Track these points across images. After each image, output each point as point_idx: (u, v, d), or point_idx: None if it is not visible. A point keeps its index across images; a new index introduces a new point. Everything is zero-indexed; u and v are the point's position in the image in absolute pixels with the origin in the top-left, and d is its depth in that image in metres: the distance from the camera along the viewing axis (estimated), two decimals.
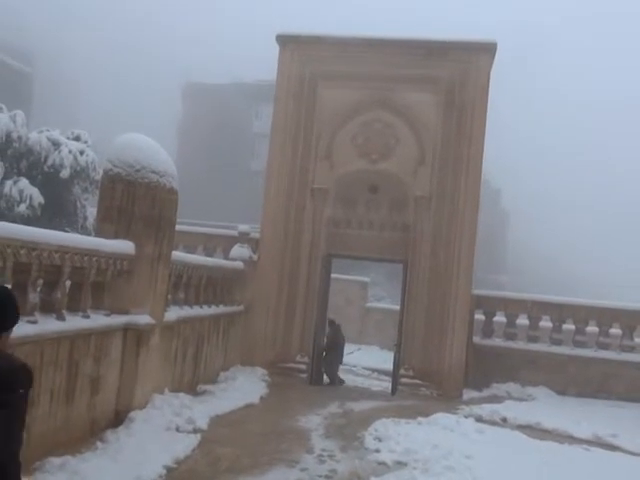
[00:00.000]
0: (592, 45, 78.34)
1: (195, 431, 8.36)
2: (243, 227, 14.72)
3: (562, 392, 14.04)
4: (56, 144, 22.51)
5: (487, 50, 14.16)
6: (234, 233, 14.77)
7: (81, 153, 22.76)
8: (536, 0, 76.45)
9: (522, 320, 15.34)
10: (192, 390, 10.66)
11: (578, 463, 8.71)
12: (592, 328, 15.07)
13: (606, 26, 78.58)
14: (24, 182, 21.30)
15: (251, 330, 14.11)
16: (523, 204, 61.63)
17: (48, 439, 6.64)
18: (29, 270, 6.34)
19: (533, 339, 14.86)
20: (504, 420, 11.26)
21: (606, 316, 14.80)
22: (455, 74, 14.14)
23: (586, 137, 75.24)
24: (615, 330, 15.04)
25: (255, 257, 14.35)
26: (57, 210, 22.79)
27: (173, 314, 9.56)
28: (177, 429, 8.29)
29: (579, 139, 75.13)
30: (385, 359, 17.90)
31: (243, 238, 14.40)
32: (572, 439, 10.21)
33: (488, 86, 14.14)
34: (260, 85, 44.13)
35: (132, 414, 8.09)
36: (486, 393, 13.99)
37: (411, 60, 14.21)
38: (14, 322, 3.08)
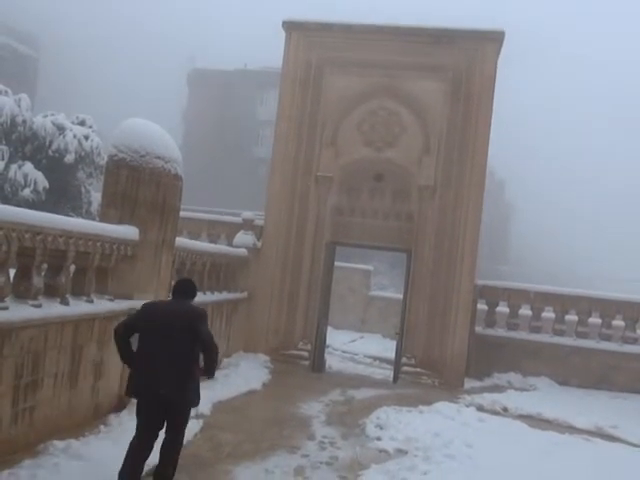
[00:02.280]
0: (602, 38, 77.81)
1: (197, 417, 8.39)
2: (247, 214, 14.71)
3: (564, 383, 14.08)
4: (61, 129, 22.50)
5: (494, 39, 14.05)
6: (238, 220, 14.77)
7: (86, 138, 22.75)
8: None
9: (525, 310, 15.35)
10: None
11: (578, 453, 8.73)
12: (595, 319, 15.07)
13: (616, 22, 78.08)
14: (29, 166, 21.32)
15: (254, 317, 14.15)
16: (527, 196, 61.49)
17: (52, 422, 6.69)
18: (33, 254, 6.35)
19: (535, 330, 14.87)
20: (505, 410, 11.30)
21: (609, 308, 14.80)
22: (462, 63, 14.05)
23: (592, 131, 74.92)
24: (618, 322, 15.04)
25: (259, 244, 14.36)
26: (61, 195, 22.82)
27: None
28: None
29: (584, 133, 74.80)
30: (387, 347, 17.92)
31: (247, 225, 14.40)
32: (573, 429, 10.25)
33: (495, 76, 14.05)
34: (265, 72, 43.98)
35: None
36: (488, 383, 14.04)
37: (418, 48, 14.12)
38: (194, 295, 6.10)
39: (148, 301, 6.22)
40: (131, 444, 5.59)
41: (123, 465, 5.47)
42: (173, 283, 6.19)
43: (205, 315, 5.80)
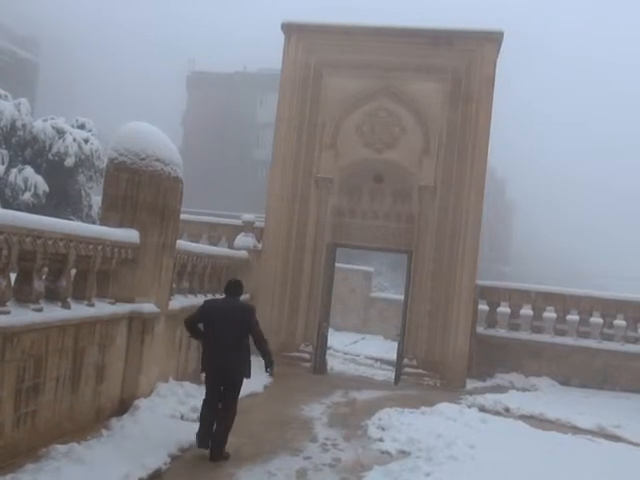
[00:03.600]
0: (606, 40, 77.87)
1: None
2: (247, 216, 14.72)
3: (566, 383, 14.06)
4: (61, 132, 22.48)
5: (493, 39, 14.05)
6: (238, 222, 14.77)
7: (86, 141, 22.73)
8: None
9: (526, 311, 15.33)
10: (196, 379, 10.65)
11: (581, 453, 8.71)
12: (596, 319, 15.05)
13: (618, 24, 78.21)
14: (29, 170, 21.30)
15: None
16: (527, 195, 61.46)
17: (54, 426, 6.68)
18: (34, 258, 6.34)
19: (537, 330, 14.86)
20: (507, 410, 11.27)
21: (610, 307, 14.77)
22: (461, 63, 14.05)
23: (592, 130, 74.94)
24: (619, 321, 15.01)
25: (259, 246, 14.36)
26: (62, 198, 22.81)
27: (177, 303, 9.58)
28: (181, 417, 8.32)
29: (585, 131, 74.83)
30: (388, 349, 17.93)
31: (247, 227, 14.40)
32: (575, 429, 10.22)
33: (494, 75, 14.05)
34: (264, 74, 44.01)
35: (137, 402, 8.13)
36: (489, 383, 14.02)
37: (417, 49, 14.13)
38: (242, 293, 7.76)
39: (208, 299, 8.23)
40: (202, 410, 7.39)
41: (199, 427, 7.29)
42: (226, 283, 7.87)
43: (254, 310, 7.64)
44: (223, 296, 7.82)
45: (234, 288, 7.67)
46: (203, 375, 7.60)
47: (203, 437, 7.25)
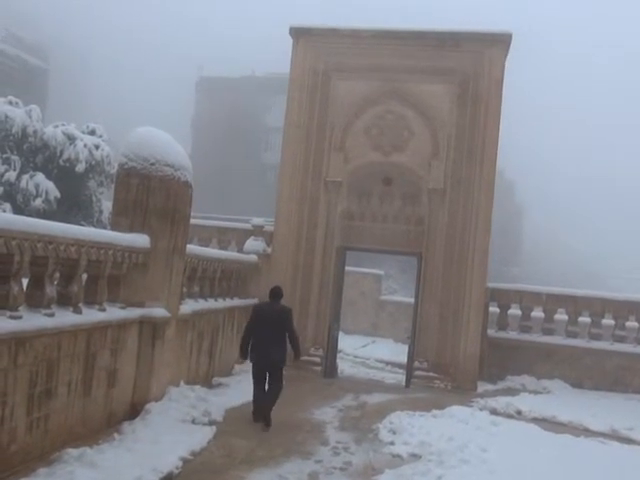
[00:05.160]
0: (615, 39, 77.52)
1: (210, 423, 8.41)
2: (257, 220, 14.76)
3: (578, 385, 13.98)
4: (71, 138, 22.63)
5: (501, 41, 14.03)
6: (248, 226, 14.81)
7: (96, 147, 22.87)
8: None
9: (537, 313, 15.27)
10: (207, 382, 10.72)
11: (594, 456, 8.66)
12: (608, 321, 14.96)
13: (627, 24, 77.91)
14: (40, 176, 21.46)
15: None
16: (538, 196, 61.15)
17: (66, 430, 6.72)
18: (46, 263, 6.38)
19: (548, 332, 14.79)
20: (519, 413, 11.23)
21: (622, 309, 14.69)
22: (469, 65, 14.04)
23: (602, 131, 74.59)
24: (631, 323, 14.92)
25: (269, 250, 14.38)
26: (73, 204, 22.95)
27: (188, 307, 9.61)
28: (193, 421, 8.34)
29: (595, 132, 74.48)
30: (399, 352, 17.89)
31: (257, 231, 14.44)
32: (588, 432, 10.16)
33: (502, 78, 14.03)
34: (273, 78, 44.11)
35: (148, 406, 8.16)
36: (501, 386, 13.96)
37: (424, 51, 14.13)
38: (282, 296, 9.43)
39: (257, 303, 10.91)
40: (254, 394, 9.06)
41: (254, 400, 9.05)
42: (270, 288, 9.53)
43: (291, 311, 9.45)
44: (268, 300, 9.41)
45: (277, 293, 9.31)
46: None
47: (257, 413, 8.90)
